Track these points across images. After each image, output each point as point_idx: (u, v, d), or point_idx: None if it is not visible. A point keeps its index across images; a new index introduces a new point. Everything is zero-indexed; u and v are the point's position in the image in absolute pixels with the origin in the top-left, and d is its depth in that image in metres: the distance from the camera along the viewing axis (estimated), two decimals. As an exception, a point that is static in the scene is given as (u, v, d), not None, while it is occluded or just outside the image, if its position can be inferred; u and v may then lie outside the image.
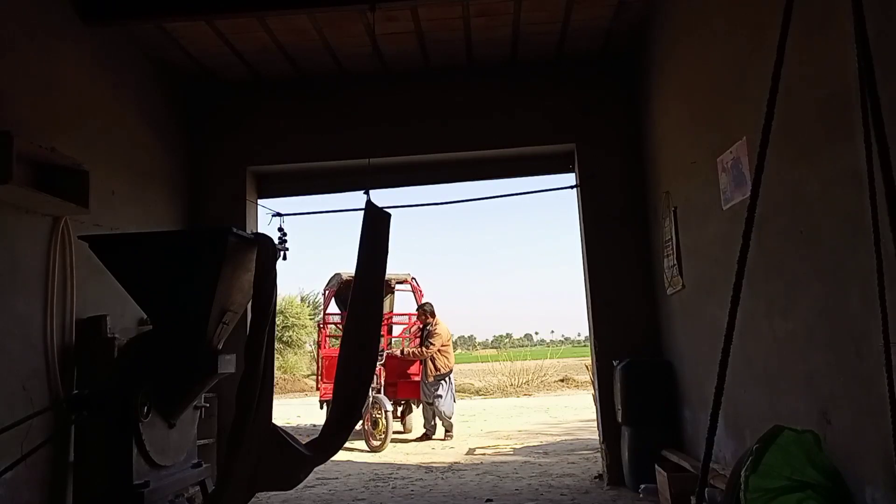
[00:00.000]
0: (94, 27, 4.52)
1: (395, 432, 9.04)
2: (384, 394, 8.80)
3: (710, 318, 4.15)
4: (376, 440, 8.28)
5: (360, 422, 9.25)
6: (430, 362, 9.12)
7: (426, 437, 9.19)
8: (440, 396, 9.08)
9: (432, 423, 9.28)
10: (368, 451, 8.12)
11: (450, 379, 9.31)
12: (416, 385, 9.47)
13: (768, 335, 3.31)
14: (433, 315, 9.58)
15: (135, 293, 3.69)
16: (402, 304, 12.37)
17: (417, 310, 9.86)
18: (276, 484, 3.91)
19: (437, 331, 9.32)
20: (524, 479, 5.82)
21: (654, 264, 5.44)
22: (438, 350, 9.21)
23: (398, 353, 9.61)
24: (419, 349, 9.29)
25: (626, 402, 5.06)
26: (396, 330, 11.94)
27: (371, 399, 8.43)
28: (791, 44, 2.11)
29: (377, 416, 8.41)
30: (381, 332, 10.88)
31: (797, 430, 2.55)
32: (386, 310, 11.14)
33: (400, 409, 9.72)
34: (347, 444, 8.70)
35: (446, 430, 9.21)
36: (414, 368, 9.74)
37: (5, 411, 3.45)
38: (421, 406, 9.49)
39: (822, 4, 2.62)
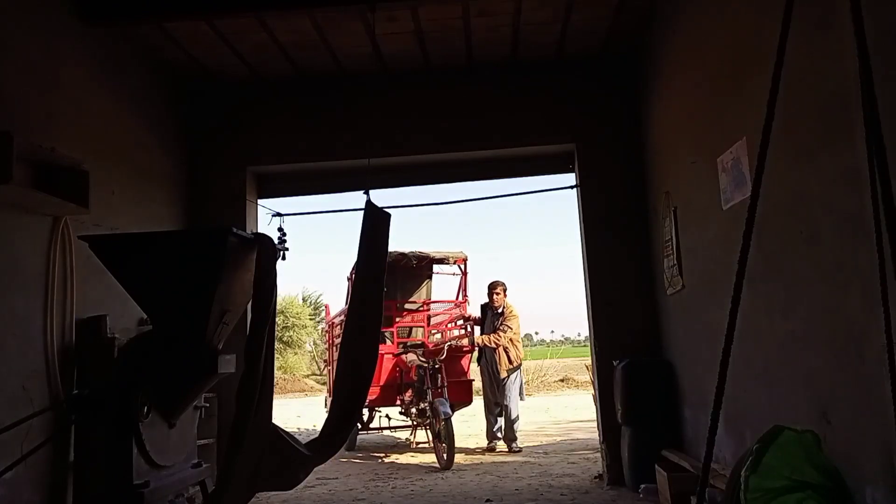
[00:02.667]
0: (94, 27, 4.52)
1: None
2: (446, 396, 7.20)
3: (710, 317, 4.15)
4: (442, 455, 6.71)
5: (417, 433, 8.20)
6: (503, 352, 7.59)
7: (491, 448, 7.65)
8: (510, 395, 7.57)
9: (496, 429, 7.73)
10: (440, 469, 6.61)
11: (519, 374, 7.83)
12: (466, 386, 8.12)
13: (768, 335, 3.31)
14: (505, 294, 8.03)
15: (135, 293, 3.68)
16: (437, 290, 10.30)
17: (490, 286, 8.03)
18: (276, 484, 3.90)
19: (512, 313, 7.82)
20: (524, 479, 5.82)
21: (654, 264, 5.44)
22: (510, 339, 7.70)
23: (465, 344, 8.30)
24: (494, 335, 7.67)
25: (626, 402, 5.06)
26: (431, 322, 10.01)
27: (428, 405, 7.11)
28: (791, 44, 2.11)
29: (439, 426, 6.80)
30: (424, 325, 9.49)
31: (797, 430, 2.55)
32: (423, 297, 9.84)
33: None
34: (419, 460, 7.40)
35: (510, 440, 7.55)
36: (464, 365, 8.35)
37: (5, 411, 3.45)
38: (485, 409, 7.88)
39: (822, 4, 2.62)
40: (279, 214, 6.01)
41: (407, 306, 9.59)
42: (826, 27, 2.61)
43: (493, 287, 7.99)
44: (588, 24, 5.29)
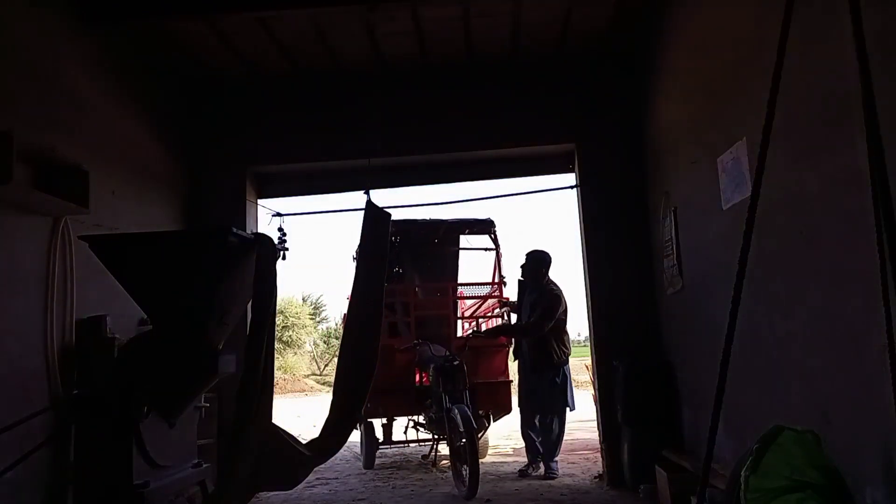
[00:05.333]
0: (95, 27, 4.53)
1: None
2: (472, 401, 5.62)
3: (710, 318, 4.15)
4: (463, 479, 5.05)
5: (439, 448, 6.42)
6: (542, 345, 5.77)
7: (525, 472, 5.83)
8: (550, 402, 5.76)
9: (537, 460, 5.82)
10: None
11: (566, 374, 5.87)
12: (503, 390, 6.36)
13: (768, 335, 3.31)
14: (547, 269, 6.03)
15: (135, 293, 3.69)
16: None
17: (527, 258, 6.09)
18: (276, 484, 3.91)
19: (554, 292, 5.91)
20: (524, 479, 5.81)
21: (654, 264, 5.43)
22: (556, 326, 5.81)
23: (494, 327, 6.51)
24: (537, 321, 5.72)
25: (626, 402, 5.06)
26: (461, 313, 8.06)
27: (444, 414, 5.43)
28: (791, 44, 2.11)
29: (458, 442, 5.15)
30: (450, 314, 7.52)
31: (797, 430, 2.54)
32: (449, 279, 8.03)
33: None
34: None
35: (547, 461, 5.75)
36: (500, 362, 6.51)
37: (5, 411, 3.45)
38: (521, 422, 5.96)
39: (822, 4, 2.62)
40: (279, 214, 6.02)
41: (418, 289, 7.72)
42: (826, 27, 2.61)
43: (528, 259, 6.09)
44: (588, 23, 5.29)
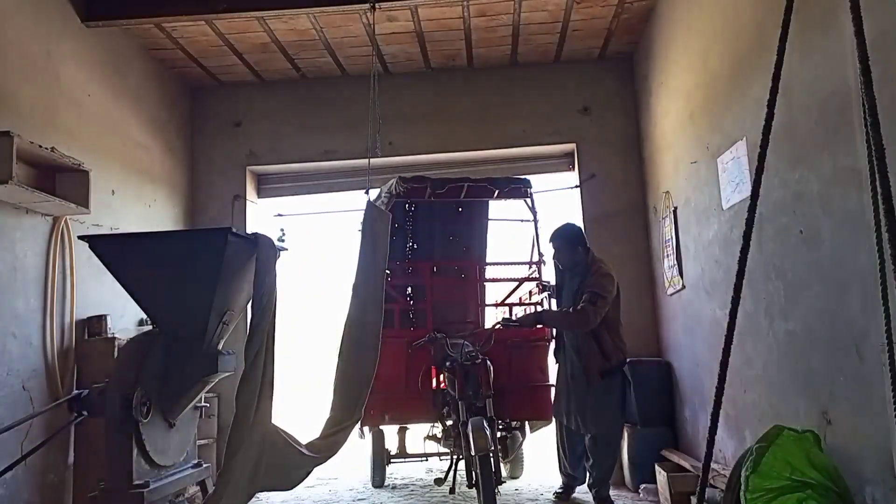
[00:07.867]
0: (94, 27, 4.53)
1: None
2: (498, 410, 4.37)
3: (710, 318, 4.15)
4: None
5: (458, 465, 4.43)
6: (592, 339, 4.38)
7: (564, 495, 4.75)
8: (614, 413, 4.45)
9: (582, 470, 4.67)
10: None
11: (622, 377, 4.55)
12: (542, 395, 5.02)
13: (768, 335, 3.31)
14: (584, 243, 4.65)
15: (135, 293, 3.68)
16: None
17: (556, 240, 4.67)
18: (276, 484, 3.89)
19: (601, 271, 4.48)
20: (524, 479, 5.81)
21: (654, 264, 5.44)
22: (610, 315, 4.43)
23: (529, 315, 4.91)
24: (585, 307, 4.26)
25: (625, 402, 5.05)
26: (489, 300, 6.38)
27: (461, 426, 4.21)
28: (791, 44, 2.11)
29: (475, 466, 3.87)
30: (476, 299, 6.09)
31: (797, 430, 2.55)
32: (474, 255, 6.25)
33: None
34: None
35: (599, 494, 4.48)
36: (538, 360, 5.15)
37: (5, 411, 3.46)
38: (557, 435, 4.82)
39: (822, 4, 2.62)
40: (280, 215, 6.02)
41: (435, 269, 6.00)
42: (826, 27, 2.61)
43: (559, 240, 4.65)
44: (588, 24, 5.30)
